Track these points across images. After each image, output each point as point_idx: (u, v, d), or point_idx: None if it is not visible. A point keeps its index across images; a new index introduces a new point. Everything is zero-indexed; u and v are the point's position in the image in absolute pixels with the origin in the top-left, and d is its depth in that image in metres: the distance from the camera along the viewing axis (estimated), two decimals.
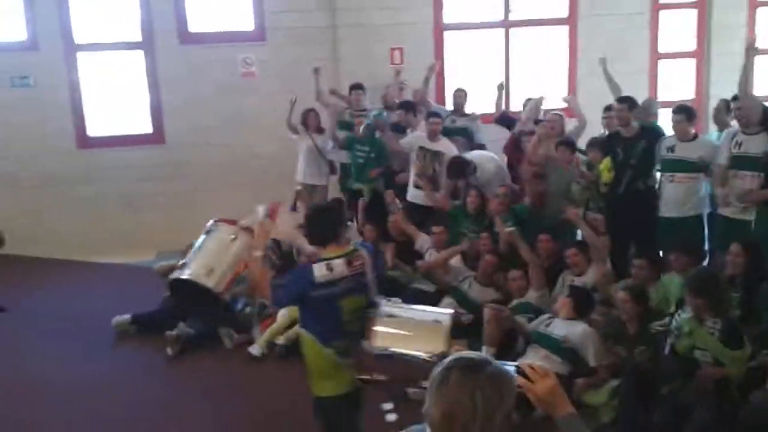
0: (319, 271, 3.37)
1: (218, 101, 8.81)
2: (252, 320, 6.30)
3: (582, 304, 5.06)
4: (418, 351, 3.35)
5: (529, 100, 8.07)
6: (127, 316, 6.33)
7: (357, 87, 8.05)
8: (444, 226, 6.56)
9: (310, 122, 7.93)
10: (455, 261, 6.42)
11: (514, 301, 5.65)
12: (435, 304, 5.60)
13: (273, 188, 7.90)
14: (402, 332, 3.42)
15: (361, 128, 7.52)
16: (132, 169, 8.59)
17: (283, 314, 6.11)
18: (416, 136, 7.28)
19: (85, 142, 8.75)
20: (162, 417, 5.02)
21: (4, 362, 6.03)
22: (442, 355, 2.78)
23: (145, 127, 8.96)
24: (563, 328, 4.91)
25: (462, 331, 5.38)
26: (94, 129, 8.73)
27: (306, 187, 7.80)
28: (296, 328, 5.54)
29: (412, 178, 7.25)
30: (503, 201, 6.53)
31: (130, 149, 8.71)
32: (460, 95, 8.12)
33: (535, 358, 4.66)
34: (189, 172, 8.89)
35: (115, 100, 8.98)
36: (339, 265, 3.40)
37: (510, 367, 1.79)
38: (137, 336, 6.29)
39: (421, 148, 7.16)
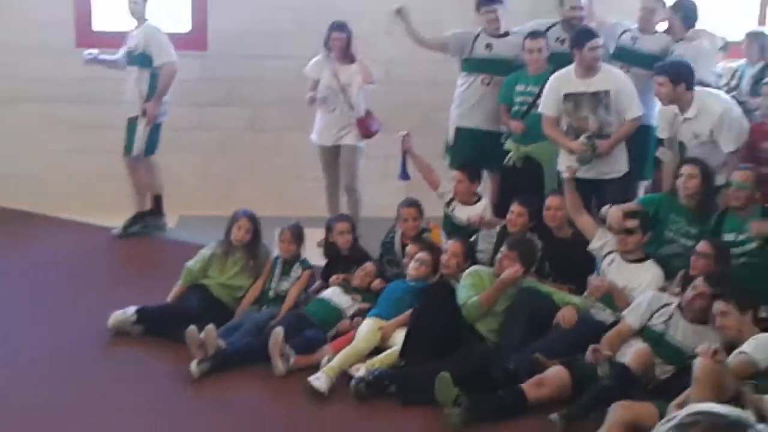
0: None
1: None
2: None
3: None
4: None
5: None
6: (130, 310, 6.09)
7: (489, 2, 7.39)
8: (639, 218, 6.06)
9: None
10: (651, 279, 5.95)
11: None
12: None
13: None
14: None
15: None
16: None
17: (366, 332, 5.73)
18: (555, 79, 6.81)
19: None
20: None
21: None
22: None
23: (183, 25, 8.87)
24: None
25: (653, 391, 5.24)
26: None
27: (325, 153, 7.82)
28: (385, 356, 5.56)
29: None
30: (741, 194, 5.93)
31: None
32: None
33: None
34: (237, 95, 8.86)
35: None
36: None
37: None
38: (142, 340, 6.06)
39: (568, 95, 6.71)
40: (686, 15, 7.32)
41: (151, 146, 7.92)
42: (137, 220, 8.09)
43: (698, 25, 7.38)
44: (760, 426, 1.74)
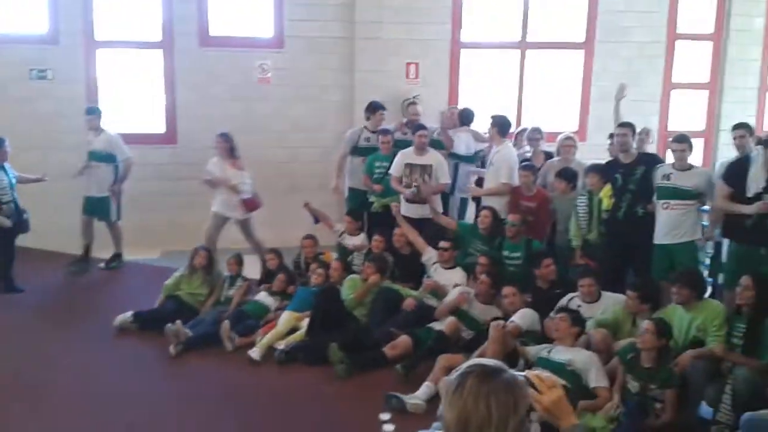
0: None
1: (232, 105, 8.80)
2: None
3: (579, 324, 5.19)
4: None
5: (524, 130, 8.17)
6: (129, 314, 6.37)
7: (382, 107, 7.94)
8: (452, 241, 6.60)
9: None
10: (459, 278, 6.44)
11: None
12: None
13: (278, 194, 8.25)
14: None
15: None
16: (143, 167, 8.38)
17: (284, 320, 6.18)
18: (401, 153, 7.37)
19: None
20: (155, 415, 4.96)
21: (6, 347, 6.03)
22: None
23: (159, 126, 8.95)
24: (567, 353, 4.93)
25: (463, 347, 5.51)
26: (108, 126, 8.36)
27: (218, 217, 7.59)
28: (296, 335, 5.84)
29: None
30: (513, 229, 6.61)
31: (142, 148, 8.51)
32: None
33: None
34: (198, 174, 8.61)
35: (131, 98, 8.93)
36: None
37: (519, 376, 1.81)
38: (138, 333, 6.31)
39: (408, 164, 7.28)
40: (464, 117, 8.13)
41: (118, 213, 8.01)
42: (116, 258, 8.14)
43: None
44: (511, 370, 1.76)
